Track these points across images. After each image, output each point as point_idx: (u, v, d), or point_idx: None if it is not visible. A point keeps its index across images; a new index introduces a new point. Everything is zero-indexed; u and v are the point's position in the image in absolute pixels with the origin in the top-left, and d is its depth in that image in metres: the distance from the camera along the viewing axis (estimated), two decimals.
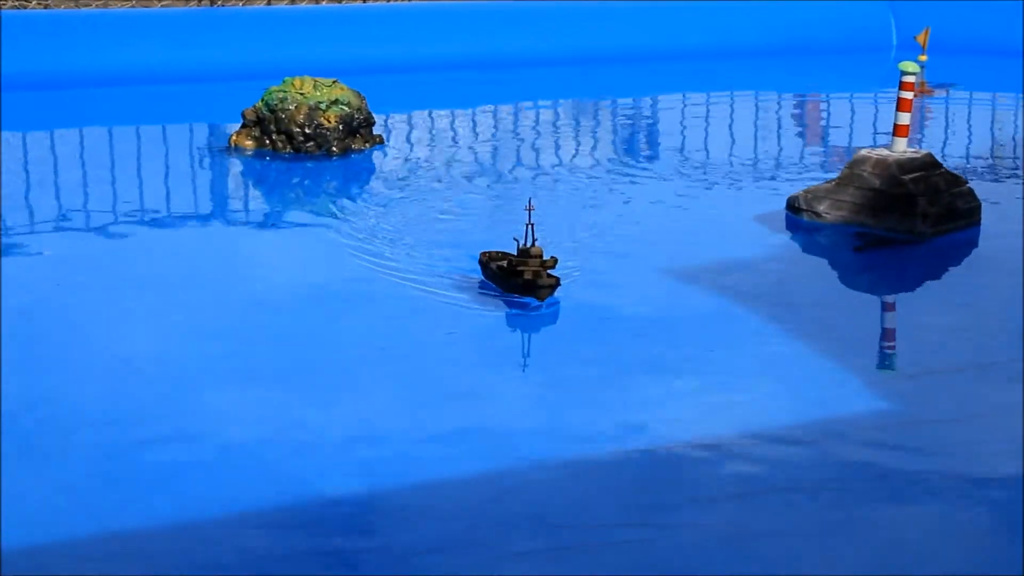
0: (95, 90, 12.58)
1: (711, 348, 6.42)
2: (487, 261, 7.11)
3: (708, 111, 12.35)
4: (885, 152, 8.47)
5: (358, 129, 10.47)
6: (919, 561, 4.62)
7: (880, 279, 7.84)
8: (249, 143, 10.35)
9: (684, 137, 11.26)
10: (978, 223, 8.50)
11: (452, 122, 11.76)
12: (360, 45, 13.76)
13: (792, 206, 8.66)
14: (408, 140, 11.00)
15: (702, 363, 6.26)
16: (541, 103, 12.63)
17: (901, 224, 8.26)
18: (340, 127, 10.31)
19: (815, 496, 5.06)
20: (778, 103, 13.07)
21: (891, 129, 8.49)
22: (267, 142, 10.31)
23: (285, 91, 10.35)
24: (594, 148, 10.86)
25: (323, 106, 10.31)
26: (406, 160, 10.28)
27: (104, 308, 6.88)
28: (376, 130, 10.70)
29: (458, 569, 4.51)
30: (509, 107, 12.52)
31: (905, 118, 8.39)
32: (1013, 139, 11.48)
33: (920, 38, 14.23)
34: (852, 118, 12.35)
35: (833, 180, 8.63)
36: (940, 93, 13.41)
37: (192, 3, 14.55)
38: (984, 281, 7.63)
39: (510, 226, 8.23)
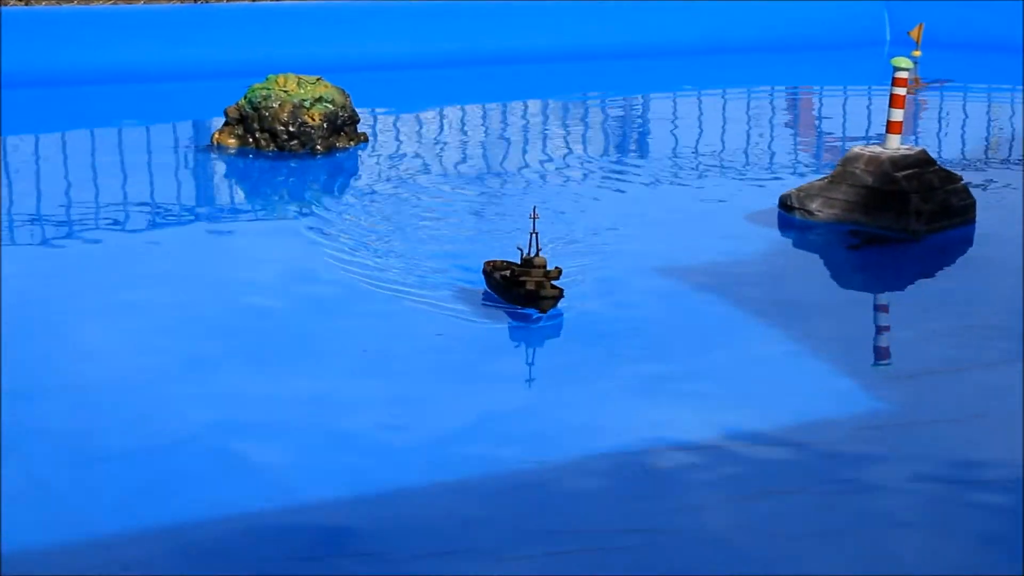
0: (76, 88, 12.55)
1: (705, 352, 6.41)
2: (491, 271, 6.96)
3: (700, 108, 12.35)
4: (878, 149, 8.47)
5: (342, 127, 10.45)
6: (918, 565, 4.62)
7: (874, 278, 7.84)
8: (232, 141, 10.33)
9: (675, 135, 11.26)
10: (973, 221, 8.51)
11: (439, 120, 11.75)
12: (344, 42, 13.75)
13: (784, 204, 8.66)
14: (395, 138, 10.98)
15: (696, 367, 6.25)
16: (530, 100, 12.62)
17: (895, 222, 8.26)
18: (324, 125, 10.30)
19: (811, 500, 5.04)
20: (770, 100, 13.07)
21: (884, 126, 8.51)
22: (250, 140, 10.29)
23: (269, 89, 10.33)
24: (584, 147, 10.85)
25: (307, 104, 10.30)
26: (392, 159, 10.26)
27: (82, 308, 6.85)
28: (361, 128, 10.68)
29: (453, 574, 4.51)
30: (497, 105, 12.51)
31: (898, 114, 8.39)
32: (1009, 135, 11.50)
33: (914, 33, 14.25)
34: (845, 114, 12.36)
35: (826, 177, 8.63)
36: (934, 87, 13.42)
37: (175, 0, 14.52)
38: (980, 280, 7.63)
39: (500, 227, 8.22)
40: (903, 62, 8.33)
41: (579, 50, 14.49)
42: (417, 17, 14.18)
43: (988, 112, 12.54)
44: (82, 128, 11.31)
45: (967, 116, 12.25)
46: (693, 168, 10.07)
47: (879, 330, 7.10)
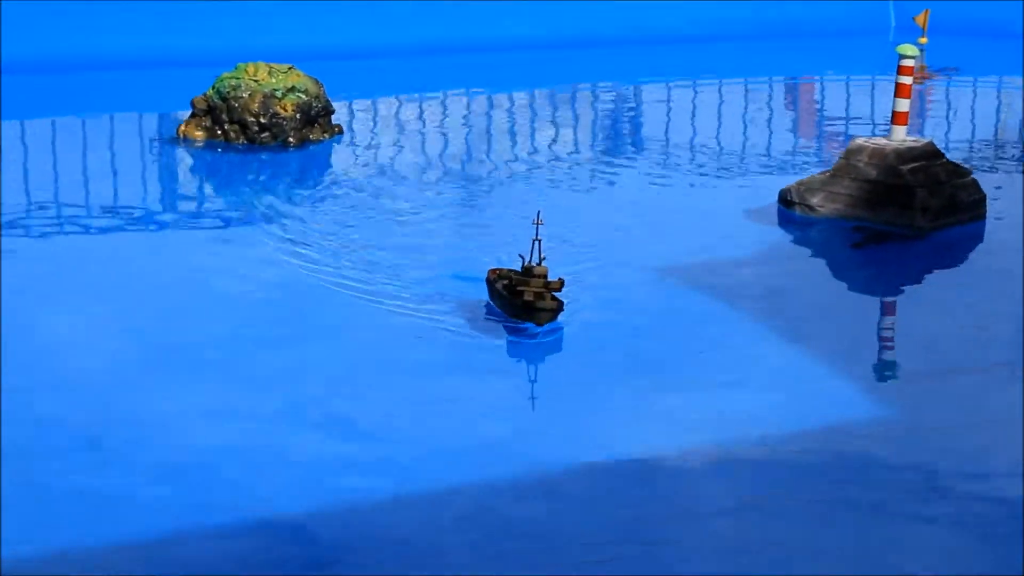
0: (33, 78, 12.50)
1: (705, 358, 6.48)
2: (495, 279, 6.83)
3: (695, 99, 12.36)
4: (883, 141, 8.52)
5: (316, 118, 10.47)
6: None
7: (878, 277, 7.88)
8: (199, 133, 10.34)
9: (669, 127, 11.28)
10: (983, 216, 8.56)
11: (419, 111, 11.74)
12: (318, 28, 13.74)
13: (784, 199, 8.71)
14: (371, 130, 10.99)
15: (695, 372, 6.32)
16: (516, 90, 12.62)
17: (899, 218, 8.31)
18: (297, 116, 10.31)
19: (809, 509, 5.10)
20: (769, 89, 13.11)
21: (889, 116, 8.55)
22: (219, 132, 10.30)
23: (238, 78, 10.33)
24: (574, 138, 10.87)
25: (279, 94, 10.30)
26: (368, 152, 10.27)
27: (39, 307, 6.87)
28: (335, 119, 10.70)
29: None
30: (481, 95, 12.51)
31: (904, 104, 8.44)
32: (1021, 125, 11.56)
33: (919, 19, 14.32)
34: (848, 104, 12.40)
35: (827, 171, 8.68)
36: (942, 77, 13.48)
37: None
38: (989, 279, 7.67)
39: (487, 227, 8.25)
40: (909, 50, 8.39)
41: (569, 37, 14.49)
42: (395, 2, 14.18)
43: (998, 102, 12.58)
44: (40, 118, 11.28)
45: (976, 106, 12.29)
46: (689, 162, 10.10)
47: (882, 332, 7.15)
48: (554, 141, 10.75)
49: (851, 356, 6.50)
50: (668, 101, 12.32)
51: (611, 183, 9.50)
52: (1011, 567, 4.65)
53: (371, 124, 11.24)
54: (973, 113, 12.04)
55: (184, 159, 10.08)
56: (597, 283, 7.31)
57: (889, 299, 7.69)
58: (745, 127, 11.30)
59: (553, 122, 11.46)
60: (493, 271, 6.92)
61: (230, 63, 10.55)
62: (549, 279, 6.52)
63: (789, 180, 8.95)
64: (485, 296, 6.93)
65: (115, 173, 9.65)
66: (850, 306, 7.43)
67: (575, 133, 11.11)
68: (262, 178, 9.64)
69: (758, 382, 6.18)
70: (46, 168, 9.66)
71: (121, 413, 5.80)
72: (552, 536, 4.88)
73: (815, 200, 8.53)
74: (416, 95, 12.19)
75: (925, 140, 8.67)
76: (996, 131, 11.40)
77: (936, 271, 8.05)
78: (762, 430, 5.66)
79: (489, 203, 8.94)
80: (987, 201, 8.60)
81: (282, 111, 10.27)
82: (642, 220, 8.62)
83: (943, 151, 8.78)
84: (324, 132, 10.52)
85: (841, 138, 11.02)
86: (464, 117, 11.60)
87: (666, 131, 11.12)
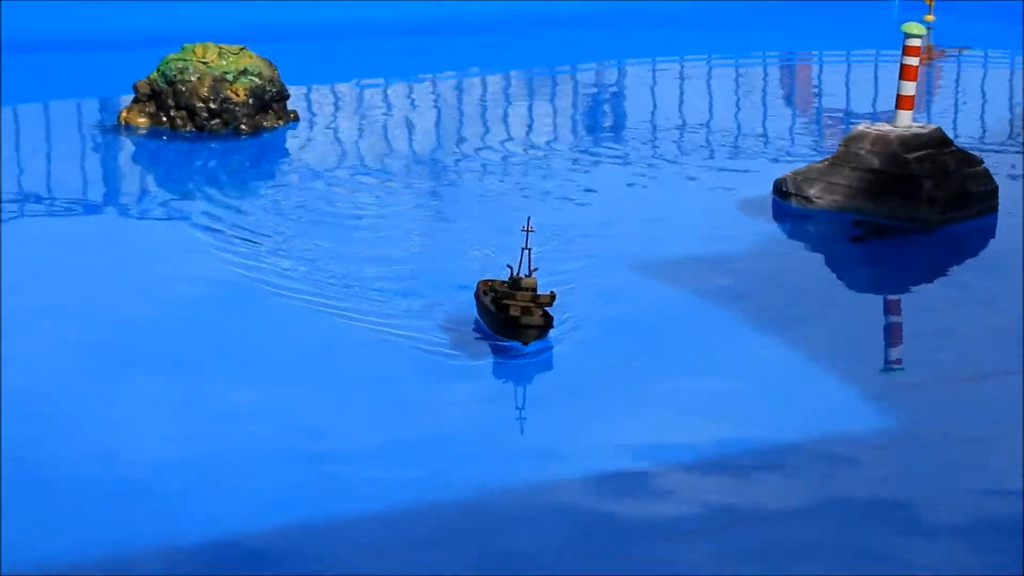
0: None
1: (698, 361, 6.50)
2: (484, 292, 6.67)
3: (682, 81, 12.38)
4: (886, 127, 8.53)
5: (270, 104, 10.44)
6: None
7: (880, 274, 7.89)
8: (143, 120, 10.30)
9: (655, 111, 11.28)
10: (995, 209, 8.57)
11: (383, 96, 11.73)
12: (272, 6, 13.71)
13: (779, 190, 8.70)
14: (330, 117, 10.97)
15: (692, 376, 6.34)
16: (489, 73, 12.62)
17: (904, 210, 8.31)
18: (250, 101, 10.28)
19: (805, 523, 5.10)
20: (763, 67, 13.11)
21: (894, 100, 8.56)
22: (164, 119, 10.26)
23: (185, 60, 10.30)
24: (553, 125, 10.86)
25: (230, 77, 10.28)
26: (326, 141, 10.25)
27: None
28: (291, 105, 10.67)
29: None
30: (451, 78, 12.50)
31: (909, 87, 8.44)
32: None
33: None
34: (848, 85, 12.42)
35: (826, 159, 8.68)
36: (950, 57, 13.50)
37: None
38: (1000, 276, 7.67)
39: (456, 227, 8.22)
40: (915, 28, 8.37)
41: (546, 14, 14.49)
42: None
43: (1011, 83, 12.60)
44: None
45: (988, 89, 12.32)
46: (677, 150, 10.08)
47: (886, 333, 7.15)
48: (530, 128, 10.73)
49: (851, 357, 6.51)
50: (652, 82, 12.31)
51: (592, 175, 9.50)
52: (1011, 567, 4.70)
53: (330, 110, 11.23)
54: (984, 96, 12.06)
55: (126, 148, 10.04)
56: (588, 288, 7.28)
57: (891, 297, 7.72)
58: (736, 111, 11.30)
59: (529, 108, 11.45)
60: (483, 283, 6.75)
61: (176, 43, 10.53)
62: (539, 292, 6.34)
63: (784, 169, 8.96)
64: (449, 307, 6.88)
65: (48, 163, 9.60)
66: (850, 305, 7.45)
67: (554, 120, 11.09)
68: (210, 168, 9.60)
69: (753, 387, 6.22)
70: None
71: (39, 408, 5.82)
72: (537, 556, 4.91)
73: (813, 191, 8.54)
74: (380, 79, 12.17)
75: (932, 126, 8.68)
76: (1012, 115, 11.41)
77: (942, 268, 8.07)
78: (757, 433, 5.72)
79: (457, 196, 8.91)
80: (999, 193, 8.60)
81: (233, 96, 10.26)
82: (627, 215, 8.63)
83: (952, 138, 8.78)
84: (279, 119, 10.50)
85: (841, 124, 11.03)
86: (433, 102, 11.59)
87: (652, 116, 11.11)
